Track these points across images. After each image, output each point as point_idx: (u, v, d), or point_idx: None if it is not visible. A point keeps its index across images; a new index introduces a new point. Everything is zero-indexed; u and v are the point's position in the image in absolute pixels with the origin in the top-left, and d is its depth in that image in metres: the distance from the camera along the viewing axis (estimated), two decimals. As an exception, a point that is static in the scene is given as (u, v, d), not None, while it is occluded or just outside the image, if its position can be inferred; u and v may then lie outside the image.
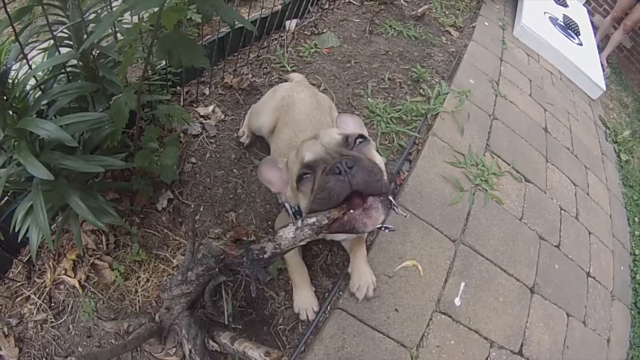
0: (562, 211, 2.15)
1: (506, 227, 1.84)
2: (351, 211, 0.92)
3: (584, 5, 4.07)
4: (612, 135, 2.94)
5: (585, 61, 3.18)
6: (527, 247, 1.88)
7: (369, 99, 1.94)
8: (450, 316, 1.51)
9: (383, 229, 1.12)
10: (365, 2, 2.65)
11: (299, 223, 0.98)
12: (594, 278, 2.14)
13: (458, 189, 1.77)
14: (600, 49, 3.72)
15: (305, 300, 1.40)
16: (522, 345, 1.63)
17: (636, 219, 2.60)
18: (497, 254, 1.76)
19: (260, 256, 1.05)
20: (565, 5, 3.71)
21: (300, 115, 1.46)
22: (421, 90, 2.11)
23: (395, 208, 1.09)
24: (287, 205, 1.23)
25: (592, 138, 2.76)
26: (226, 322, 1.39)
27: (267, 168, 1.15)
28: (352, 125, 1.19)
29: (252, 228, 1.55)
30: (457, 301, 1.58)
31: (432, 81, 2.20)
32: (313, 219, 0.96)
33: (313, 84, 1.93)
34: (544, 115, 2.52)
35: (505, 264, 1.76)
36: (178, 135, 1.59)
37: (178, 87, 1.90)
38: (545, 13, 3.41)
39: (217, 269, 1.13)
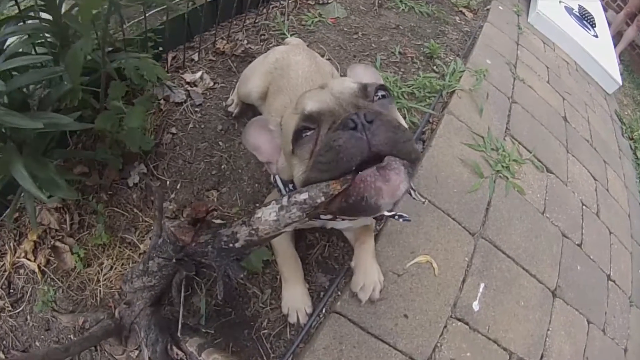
0: (584, 207, 1.83)
1: (529, 221, 1.52)
2: (359, 175, 0.59)
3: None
4: (628, 131, 2.63)
5: (602, 53, 2.85)
6: (550, 244, 1.56)
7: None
8: (467, 323, 1.19)
9: (397, 217, 0.80)
10: (375, -23, 2.30)
11: (284, 200, 0.66)
12: (614, 282, 1.82)
13: (477, 174, 1.45)
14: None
15: (296, 300, 1.09)
16: (542, 356, 1.32)
17: (655, 220, 2.28)
18: (520, 252, 1.44)
19: (230, 245, 0.73)
20: (580, -3, 3.36)
21: (296, 79, 1.13)
22: (435, 66, 1.78)
23: (412, 191, 0.77)
24: (278, 181, 0.90)
25: (609, 132, 2.44)
26: (197, 324, 1.06)
27: (255, 130, 0.82)
28: (368, 77, 0.86)
29: (235, 210, 1.22)
30: (476, 305, 1.26)
31: (446, 58, 1.87)
32: (304, 195, 0.63)
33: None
34: (562, 104, 2.20)
35: (528, 262, 1.45)
36: (151, 95, 1.25)
37: (167, 52, 1.56)
38: (560, 2, 3.07)
39: (174, 260, 0.80)
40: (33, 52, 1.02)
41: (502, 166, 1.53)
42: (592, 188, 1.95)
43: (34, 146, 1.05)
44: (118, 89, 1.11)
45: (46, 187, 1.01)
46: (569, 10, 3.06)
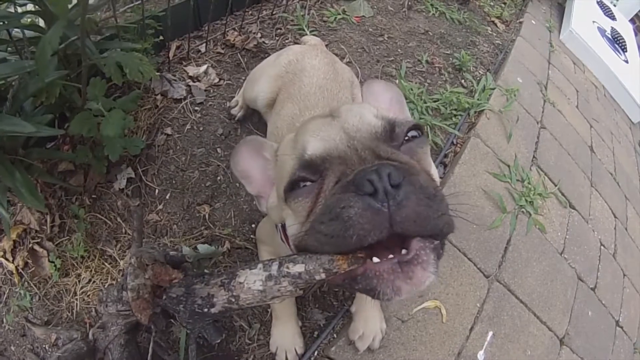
0: (602, 247, 1.62)
1: (547, 263, 1.32)
2: (375, 261, 0.41)
3: (629, 21, 3.37)
4: (650, 164, 2.35)
5: (631, 80, 2.55)
6: (565, 288, 1.36)
7: (402, 81, 1.37)
8: (471, 378, 1.00)
9: None
10: (406, -24, 2.02)
11: (274, 268, 0.47)
12: (622, 328, 1.62)
13: (500, 209, 1.23)
14: None
15: (286, 338, 0.91)
16: (545, 409, 1.14)
17: (667, 262, 2.06)
18: (533, 297, 1.24)
19: (205, 310, 0.54)
20: (613, 18, 3.03)
21: (309, 87, 0.90)
22: (463, 80, 1.54)
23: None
24: (272, 215, 0.70)
25: (632, 165, 2.18)
26: None
27: (247, 153, 0.61)
28: (388, 100, 0.64)
29: (227, 231, 1.02)
30: (481, 355, 1.07)
31: (476, 72, 1.62)
32: (299, 268, 0.45)
33: (335, 54, 1.35)
34: (589, 132, 1.94)
35: (540, 308, 1.25)
36: (137, 95, 1.03)
37: (172, 41, 1.33)
38: (594, 22, 2.75)
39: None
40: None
41: (526, 200, 1.31)
42: (611, 226, 1.73)
43: (11, 146, 0.86)
44: (98, 87, 0.90)
45: (19, 190, 0.83)
46: (602, 31, 2.75)
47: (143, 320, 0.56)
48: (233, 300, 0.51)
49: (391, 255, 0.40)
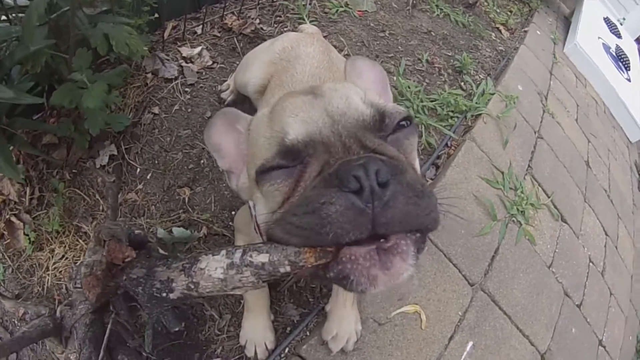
0: (591, 264, 1.59)
1: (534, 275, 1.28)
2: (349, 250, 0.37)
3: (635, 41, 3.35)
4: (645, 185, 2.33)
5: (632, 99, 2.53)
6: (550, 303, 1.32)
7: (399, 78, 1.33)
8: (447, 387, 0.97)
9: None
10: (413, -25, 1.98)
11: (237, 256, 0.43)
12: (604, 347, 1.60)
13: (490, 216, 1.19)
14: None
15: (257, 332, 0.86)
16: None
17: (654, 284, 2.03)
18: (517, 309, 1.20)
19: (164, 294, 0.49)
20: (619, 36, 3.01)
21: (302, 75, 0.86)
22: (463, 83, 1.50)
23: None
24: (242, 194, 0.65)
25: (626, 184, 2.16)
26: (140, 346, 0.84)
27: (221, 125, 0.57)
28: (372, 79, 0.60)
29: (206, 216, 0.97)
30: (460, 365, 1.03)
31: (476, 76, 1.58)
32: (263, 258, 0.41)
33: (334, 46, 1.31)
34: (587, 147, 1.92)
35: (523, 322, 1.21)
36: (123, 70, 0.99)
37: (168, 20, 1.29)
38: (599, 38, 2.72)
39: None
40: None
41: (518, 210, 1.27)
42: (602, 243, 1.70)
43: None
44: (83, 58, 0.85)
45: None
46: (607, 48, 2.72)
47: (91, 298, 0.52)
48: (192, 287, 0.47)
49: (371, 246, 0.36)
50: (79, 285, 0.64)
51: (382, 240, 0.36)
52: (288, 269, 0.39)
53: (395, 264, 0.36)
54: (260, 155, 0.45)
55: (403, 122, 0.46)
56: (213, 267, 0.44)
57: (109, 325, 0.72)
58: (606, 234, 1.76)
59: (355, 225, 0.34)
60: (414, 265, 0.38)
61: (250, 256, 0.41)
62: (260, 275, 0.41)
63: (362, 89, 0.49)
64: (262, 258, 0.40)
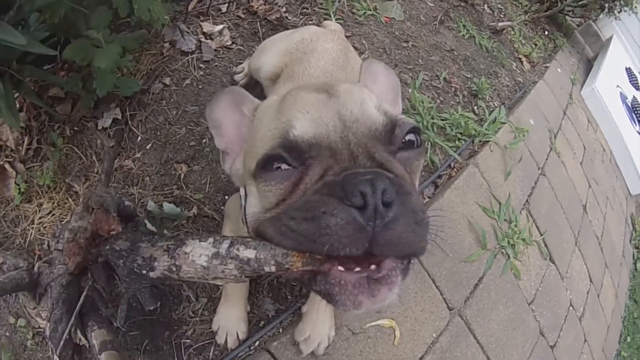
0: (571, 307, 1.59)
1: (513, 309, 1.28)
2: (340, 269, 0.37)
3: (651, 94, 3.36)
4: (637, 239, 2.35)
5: (639, 152, 2.53)
6: (525, 339, 1.32)
7: (415, 91, 1.32)
8: (409, 407, 0.96)
9: None
10: (446, -9, 1.97)
11: (224, 247, 0.41)
12: (571, 393, 1.60)
13: (481, 244, 1.19)
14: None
15: (230, 321, 0.86)
16: None
17: (628, 339, 2.05)
18: (492, 340, 1.20)
19: (144, 272, 0.48)
20: (638, 88, 3.01)
21: (314, 70, 0.85)
22: (476, 107, 1.49)
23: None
24: (234, 178, 0.64)
25: (619, 235, 2.17)
26: (112, 315, 0.83)
27: (225, 103, 0.55)
28: (385, 86, 0.59)
29: (199, 196, 0.96)
30: (424, 387, 1.03)
31: (490, 102, 1.58)
32: (249, 253, 0.40)
33: (355, 48, 1.29)
34: (587, 191, 1.92)
35: (495, 354, 1.22)
36: (140, 35, 0.97)
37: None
38: (617, 87, 2.73)
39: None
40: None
41: (509, 242, 1.27)
42: (585, 289, 1.71)
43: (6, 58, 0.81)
44: (102, 16, 0.84)
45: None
46: (623, 97, 2.73)
47: (70, 266, 0.51)
48: (174, 269, 0.46)
49: (358, 268, 0.37)
50: (61, 248, 0.62)
51: (372, 267, 0.37)
52: (273, 269, 0.38)
53: (382, 292, 0.37)
54: (262, 144, 0.44)
55: (412, 137, 0.45)
56: (198, 254, 0.43)
57: (85, 291, 0.71)
58: (591, 281, 1.76)
59: (353, 241, 0.34)
60: (398, 294, 0.39)
61: (237, 249, 0.40)
62: (244, 270, 0.40)
63: (376, 96, 0.49)
64: (249, 253, 0.39)
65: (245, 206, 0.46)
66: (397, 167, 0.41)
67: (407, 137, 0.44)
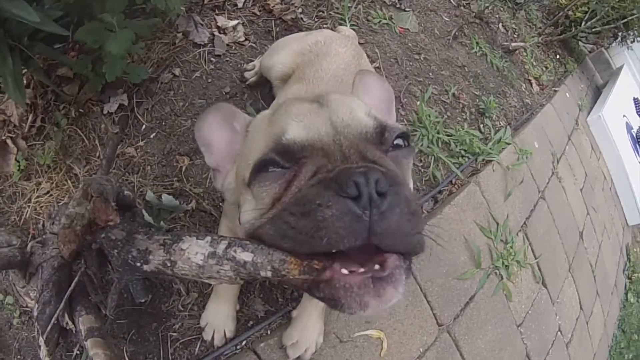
0: (559, 333, 1.59)
1: (501, 330, 1.28)
2: (343, 272, 0.37)
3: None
4: (630, 270, 2.36)
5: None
6: (510, 361, 1.31)
7: (422, 104, 1.33)
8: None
9: None
10: (462, 7, 1.97)
11: (221, 247, 0.41)
12: (551, 417, 1.59)
13: (475, 263, 1.19)
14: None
15: (219, 318, 0.86)
16: None
17: (614, 368, 2.05)
18: (478, 359, 1.19)
19: (138, 264, 0.48)
20: (643, 119, 3.02)
21: (325, 73, 0.85)
22: (482, 125, 1.49)
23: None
24: (227, 194, 0.65)
25: (613, 264, 2.17)
26: (102, 302, 0.82)
27: (214, 120, 0.55)
28: (378, 96, 0.60)
29: (198, 191, 0.96)
30: (407, 400, 1.02)
31: (497, 122, 1.58)
32: (247, 256, 0.40)
33: (367, 56, 1.29)
34: (584, 219, 1.92)
35: (480, 373, 1.20)
36: (154, 23, 0.97)
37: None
38: (624, 116, 2.74)
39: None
40: None
41: (503, 263, 1.27)
42: (574, 316, 1.71)
43: (11, 33, 0.80)
44: (118, 1, 0.84)
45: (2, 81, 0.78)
46: (629, 128, 2.74)
47: (64, 252, 0.51)
48: (169, 264, 0.46)
49: (362, 269, 0.36)
50: (56, 231, 0.62)
51: (376, 267, 0.37)
52: (269, 274, 0.38)
53: (388, 291, 0.37)
54: (255, 154, 0.44)
55: (401, 141, 0.46)
56: (194, 251, 0.43)
57: (77, 277, 0.70)
58: (581, 308, 1.76)
59: (351, 231, 0.34)
60: (402, 293, 0.39)
61: (235, 251, 0.40)
62: (240, 272, 0.40)
63: (367, 104, 0.50)
64: (246, 256, 0.39)
65: (240, 217, 0.46)
66: (389, 163, 0.42)
67: (396, 142, 0.46)
